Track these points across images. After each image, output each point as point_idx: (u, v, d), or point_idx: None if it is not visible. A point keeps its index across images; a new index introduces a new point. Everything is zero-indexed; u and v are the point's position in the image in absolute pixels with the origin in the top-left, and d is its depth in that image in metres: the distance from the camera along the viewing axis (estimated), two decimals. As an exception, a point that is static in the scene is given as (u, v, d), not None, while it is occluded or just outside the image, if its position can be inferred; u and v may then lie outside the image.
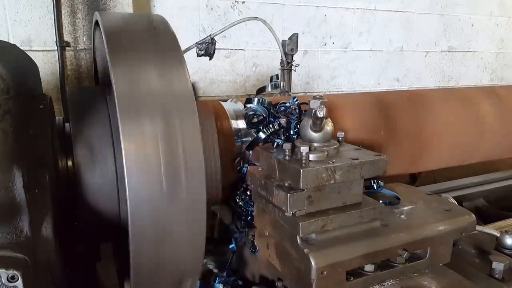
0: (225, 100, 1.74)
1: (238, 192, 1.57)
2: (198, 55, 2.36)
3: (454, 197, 1.88)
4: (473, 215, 1.46)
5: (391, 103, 1.99)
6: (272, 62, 3.40)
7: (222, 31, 2.38)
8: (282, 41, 2.50)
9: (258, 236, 1.50)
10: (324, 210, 1.25)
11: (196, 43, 2.31)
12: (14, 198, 1.02)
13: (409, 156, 2.02)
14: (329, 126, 1.32)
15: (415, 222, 1.39)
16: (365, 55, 3.96)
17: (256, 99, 1.57)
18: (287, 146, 1.27)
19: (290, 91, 2.50)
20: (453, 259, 1.43)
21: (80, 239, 1.40)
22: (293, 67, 2.55)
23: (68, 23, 2.47)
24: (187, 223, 1.08)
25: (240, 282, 1.70)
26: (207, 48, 2.28)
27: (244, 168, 1.53)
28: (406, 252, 1.28)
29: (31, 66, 1.25)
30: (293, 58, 2.55)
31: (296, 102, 1.54)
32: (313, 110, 1.24)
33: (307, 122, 1.31)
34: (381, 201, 1.39)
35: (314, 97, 1.27)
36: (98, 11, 1.51)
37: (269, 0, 3.36)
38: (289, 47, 2.49)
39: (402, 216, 1.43)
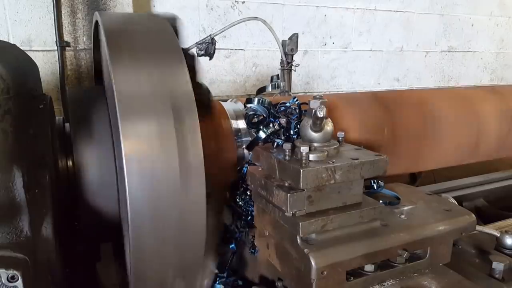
0: (225, 100, 1.74)
1: (238, 192, 1.57)
2: (198, 55, 2.35)
3: (454, 197, 1.88)
4: (473, 215, 1.46)
5: (391, 102, 1.99)
6: (272, 62, 3.40)
7: (222, 31, 2.38)
8: (282, 41, 2.50)
9: (258, 236, 1.50)
10: (324, 210, 1.25)
11: (196, 43, 2.31)
12: (14, 198, 1.02)
13: (409, 156, 2.02)
14: (329, 126, 1.32)
15: (415, 222, 1.39)
16: (365, 55, 3.96)
17: (256, 99, 1.57)
18: (287, 146, 1.27)
19: (290, 91, 2.50)
20: (453, 259, 1.42)
21: (80, 239, 1.40)
22: (293, 67, 2.55)
23: (68, 23, 2.47)
24: (187, 223, 1.08)
25: (240, 282, 1.69)
26: (207, 48, 2.27)
27: (244, 168, 1.53)
28: (406, 252, 1.28)
29: (31, 66, 1.25)
30: (293, 58, 2.54)
31: (296, 102, 1.54)
32: (313, 110, 1.24)
33: (307, 122, 1.31)
34: (381, 201, 1.39)
35: (314, 97, 1.27)
36: (98, 11, 1.51)
37: (269, 0, 3.36)
38: (289, 47, 2.49)
39: (402, 216, 1.43)
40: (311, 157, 1.22)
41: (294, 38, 2.50)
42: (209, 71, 3.26)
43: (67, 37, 2.48)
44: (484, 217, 2.56)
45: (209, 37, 2.27)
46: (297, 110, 1.52)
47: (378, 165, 1.28)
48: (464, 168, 2.59)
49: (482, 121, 2.17)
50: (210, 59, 2.39)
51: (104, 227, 1.30)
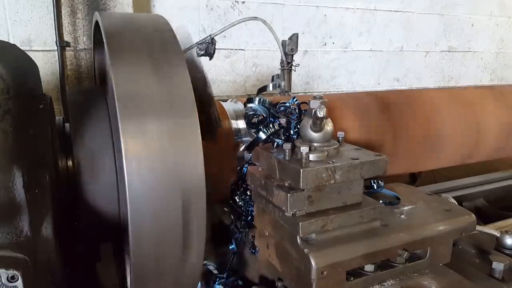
0: (225, 100, 1.74)
1: (238, 192, 1.57)
2: (198, 55, 2.35)
3: (454, 197, 1.88)
4: (473, 215, 1.46)
5: (391, 102, 1.99)
6: (272, 62, 3.40)
7: (222, 31, 2.38)
8: (282, 41, 2.50)
9: (258, 236, 1.50)
10: (324, 210, 1.25)
11: (196, 43, 2.30)
12: (14, 198, 1.02)
13: (409, 156, 2.02)
14: (329, 126, 1.32)
15: (415, 222, 1.39)
16: (365, 55, 3.96)
17: (257, 99, 1.57)
18: (287, 146, 1.27)
19: (290, 91, 2.50)
20: (453, 259, 1.42)
21: (80, 239, 1.40)
22: (293, 67, 2.55)
23: (68, 23, 2.47)
24: (187, 223, 1.08)
25: (240, 282, 1.69)
26: (207, 48, 2.27)
27: (244, 168, 1.53)
28: (406, 252, 1.28)
29: (31, 66, 1.25)
30: (293, 58, 2.54)
31: (296, 102, 1.54)
32: (313, 110, 1.24)
33: (307, 122, 1.31)
34: (381, 201, 1.39)
35: (314, 97, 1.27)
36: (98, 11, 1.51)
37: (269, 0, 3.36)
38: (289, 47, 2.49)
39: (402, 216, 1.43)
40: (311, 157, 1.22)
41: (294, 38, 2.49)
42: (209, 71, 3.26)
43: (67, 37, 2.48)
44: (484, 217, 2.56)
45: (209, 37, 2.26)
46: (297, 110, 1.52)
47: (378, 165, 1.28)
48: (464, 168, 2.59)
49: (482, 121, 2.17)
50: (210, 59, 2.39)
51: (104, 227, 1.30)
